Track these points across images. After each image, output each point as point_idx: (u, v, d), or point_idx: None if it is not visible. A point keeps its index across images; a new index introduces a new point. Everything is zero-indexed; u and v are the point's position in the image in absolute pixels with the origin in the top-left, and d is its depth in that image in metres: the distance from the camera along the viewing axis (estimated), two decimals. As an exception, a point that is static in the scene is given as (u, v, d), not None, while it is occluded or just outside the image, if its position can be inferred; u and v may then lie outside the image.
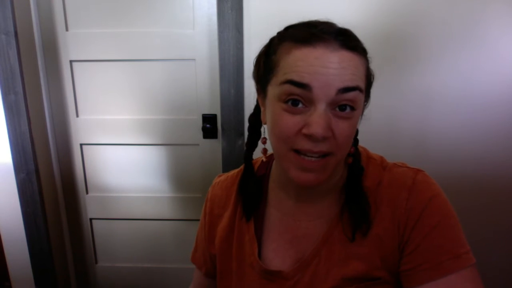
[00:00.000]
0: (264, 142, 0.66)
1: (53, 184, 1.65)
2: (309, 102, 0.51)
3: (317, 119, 0.50)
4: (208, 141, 1.56)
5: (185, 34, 1.46)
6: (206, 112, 1.53)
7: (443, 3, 1.25)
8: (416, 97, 1.32)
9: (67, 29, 1.49)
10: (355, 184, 0.60)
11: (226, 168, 1.46)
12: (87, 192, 1.68)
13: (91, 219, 1.71)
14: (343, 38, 0.52)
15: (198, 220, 0.79)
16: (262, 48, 0.60)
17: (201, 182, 1.61)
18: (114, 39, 1.48)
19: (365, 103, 0.59)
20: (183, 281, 1.73)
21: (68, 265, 1.77)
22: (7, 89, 1.40)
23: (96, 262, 1.78)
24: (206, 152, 1.58)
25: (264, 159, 0.68)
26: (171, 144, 1.58)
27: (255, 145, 0.70)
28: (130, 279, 1.77)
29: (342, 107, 0.52)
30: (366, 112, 0.61)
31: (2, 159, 1.49)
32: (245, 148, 0.70)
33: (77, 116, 1.58)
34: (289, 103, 0.52)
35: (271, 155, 0.69)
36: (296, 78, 0.51)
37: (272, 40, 0.59)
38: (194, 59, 1.48)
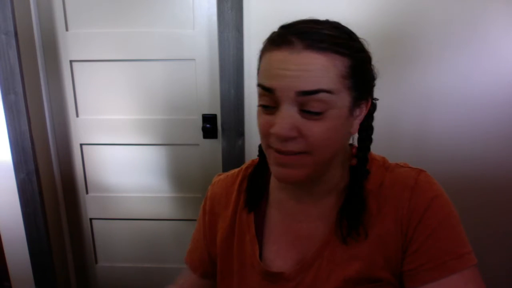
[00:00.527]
0: None
1: (53, 184, 1.65)
2: (276, 104, 0.53)
3: (279, 119, 0.52)
4: (208, 141, 1.56)
5: (185, 34, 1.46)
6: (206, 112, 1.53)
7: (443, 3, 1.24)
8: (416, 97, 1.32)
9: (67, 29, 1.49)
10: (356, 188, 0.60)
11: (226, 168, 1.46)
12: (87, 192, 1.67)
13: (91, 219, 1.71)
14: (310, 39, 0.51)
15: (198, 220, 0.79)
16: None
17: (201, 182, 1.61)
18: (114, 39, 1.48)
19: (367, 101, 0.58)
20: (183, 281, 1.73)
21: (68, 265, 1.77)
22: (7, 89, 1.40)
23: (96, 262, 1.78)
24: (206, 152, 1.58)
25: None
26: (171, 144, 1.58)
27: None
28: (130, 279, 1.77)
29: (310, 109, 0.51)
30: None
31: (2, 159, 1.49)
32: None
33: (77, 116, 1.58)
34: (263, 104, 0.55)
35: None
36: (262, 82, 0.54)
37: None
38: (194, 59, 1.48)
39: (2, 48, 1.37)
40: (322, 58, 0.51)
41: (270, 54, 0.54)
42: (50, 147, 1.61)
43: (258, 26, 1.32)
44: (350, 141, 0.65)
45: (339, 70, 0.52)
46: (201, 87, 1.51)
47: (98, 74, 1.53)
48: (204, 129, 1.51)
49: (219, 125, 1.51)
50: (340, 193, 0.62)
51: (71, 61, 1.52)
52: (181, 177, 1.62)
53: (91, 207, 1.69)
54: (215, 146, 1.56)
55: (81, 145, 1.61)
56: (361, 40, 0.58)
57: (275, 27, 0.58)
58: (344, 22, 0.56)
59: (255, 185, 0.68)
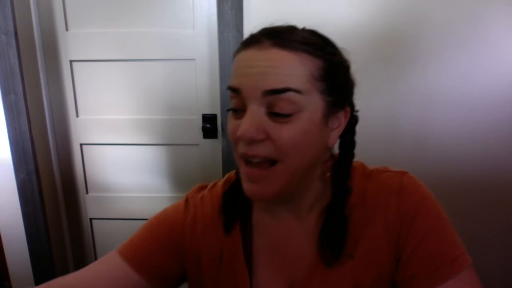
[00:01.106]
0: None
1: (53, 184, 1.65)
2: (244, 106, 0.51)
3: (244, 120, 0.49)
4: (208, 141, 1.56)
5: (185, 34, 1.46)
6: (206, 112, 1.53)
7: (443, 3, 1.24)
8: (416, 97, 1.32)
9: (67, 29, 1.49)
10: (336, 209, 0.56)
11: (226, 168, 1.46)
12: (87, 192, 1.67)
13: (91, 219, 1.71)
14: (277, 36, 0.49)
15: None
16: None
17: (201, 182, 1.61)
18: (114, 39, 1.48)
19: (343, 109, 0.55)
20: (183, 281, 1.73)
21: (68, 265, 1.77)
22: (7, 89, 1.40)
23: (96, 262, 1.78)
24: (206, 152, 1.58)
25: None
26: (171, 144, 1.58)
27: None
28: (130, 279, 1.77)
29: (278, 110, 0.49)
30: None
31: (2, 158, 1.49)
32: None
33: (77, 116, 1.58)
34: (233, 108, 0.53)
35: None
36: (230, 82, 0.52)
37: None
38: (194, 59, 1.48)
39: (2, 48, 1.37)
40: (291, 56, 0.49)
41: (239, 55, 0.53)
42: (50, 147, 1.61)
43: (258, 26, 1.31)
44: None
45: (309, 70, 0.49)
46: (201, 87, 1.51)
47: (98, 74, 1.53)
48: (204, 129, 1.51)
49: (219, 125, 1.51)
50: (322, 209, 0.59)
51: (71, 61, 1.52)
52: (181, 177, 1.62)
53: (91, 207, 1.69)
54: (215, 146, 1.56)
55: (81, 145, 1.61)
56: (341, 48, 0.55)
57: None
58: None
59: (230, 207, 0.62)
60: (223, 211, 0.63)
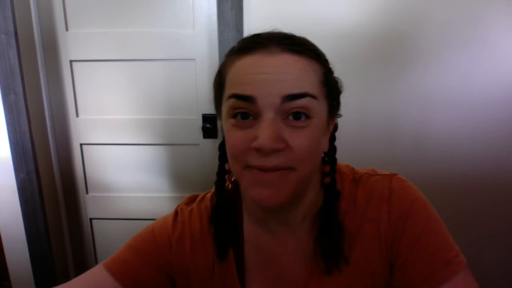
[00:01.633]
0: (228, 169, 0.61)
1: (53, 184, 1.65)
2: (257, 114, 0.47)
3: (264, 130, 0.45)
4: (208, 141, 1.56)
5: (185, 34, 1.46)
6: (206, 112, 1.53)
7: (443, 3, 1.25)
8: (416, 97, 1.32)
9: (67, 29, 1.49)
10: (329, 212, 0.55)
11: (226, 168, 1.46)
12: (87, 192, 1.68)
13: (91, 219, 1.71)
14: (286, 42, 0.48)
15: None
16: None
17: (201, 182, 1.61)
18: (114, 39, 1.48)
19: (335, 115, 0.55)
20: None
21: (68, 265, 1.77)
22: (7, 89, 1.40)
23: (96, 262, 1.77)
24: (206, 152, 1.58)
25: (230, 186, 0.62)
26: (171, 144, 1.58)
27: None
28: (130, 279, 1.77)
29: (296, 115, 0.47)
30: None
31: (2, 158, 1.49)
32: (216, 178, 0.63)
33: (77, 116, 1.58)
34: (238, 117, 0.48)
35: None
36: (238, 91, 0.47)
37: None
38: (194, 59, 1.48)
39: (2, 48, 1.37)
40: (302, 61, 0.48)
41: (241, 61, 0.49)
42: (50, 147, 1.61)
43: (258, 26, 1.31)
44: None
45: (317, 75, 0.49)
46: (201, 87, 1.51)
47: (98, 74, 1.53)
48: (204, 129, 1.51)
49: (219, 125, 1.51)
50: (313, 218, 0.58)
51: (71, 61, 1.52)
52: (181, 177, 1.62)
53: (91, 207, 1.69)
54: (215, 146, 1.56)
55: (81, 145, 1.61)
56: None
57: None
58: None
59: (222, 235, 0.60)
60: (215, 242, 0.60)
